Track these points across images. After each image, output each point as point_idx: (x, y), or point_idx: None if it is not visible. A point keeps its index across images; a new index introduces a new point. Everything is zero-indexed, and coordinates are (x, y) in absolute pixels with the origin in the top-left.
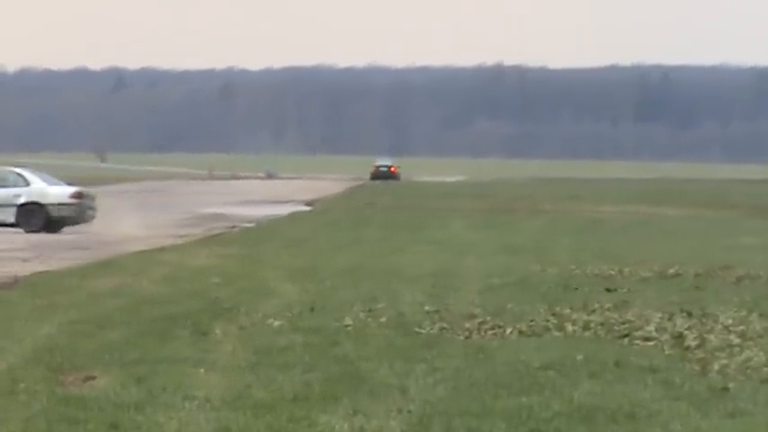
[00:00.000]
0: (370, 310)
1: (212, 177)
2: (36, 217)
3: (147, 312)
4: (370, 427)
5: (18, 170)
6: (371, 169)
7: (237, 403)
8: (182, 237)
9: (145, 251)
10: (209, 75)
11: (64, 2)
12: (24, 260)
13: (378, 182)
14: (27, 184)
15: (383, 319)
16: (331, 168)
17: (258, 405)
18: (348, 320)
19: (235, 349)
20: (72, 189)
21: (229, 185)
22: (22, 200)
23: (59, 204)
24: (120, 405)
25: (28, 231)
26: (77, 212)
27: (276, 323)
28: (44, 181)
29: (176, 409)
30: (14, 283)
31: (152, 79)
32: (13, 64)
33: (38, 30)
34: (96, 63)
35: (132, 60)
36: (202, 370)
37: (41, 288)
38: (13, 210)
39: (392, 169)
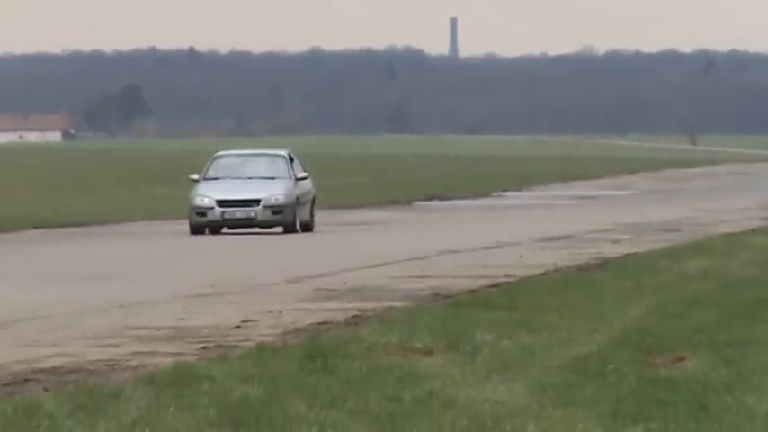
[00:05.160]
0: None
1: None
2: None
3: (735, 295)
4: None
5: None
6: None
7: None
8: None
9: (734, 233)
10: None
11: None
12: (614, 242)
13: None
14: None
15: None
16: None
17: None
18: None
19: None
20: None
21: None
22: None
23: None
24: (709, 386)
25: None
26: None
27: None
28: None
29: (766, 391)
30: (604, 264)
31: (741, 63)
32: (602, 46)
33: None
34: (686, 45)
35: (721, 43)
36: None
37: (630, 269)
38: None
39: None
